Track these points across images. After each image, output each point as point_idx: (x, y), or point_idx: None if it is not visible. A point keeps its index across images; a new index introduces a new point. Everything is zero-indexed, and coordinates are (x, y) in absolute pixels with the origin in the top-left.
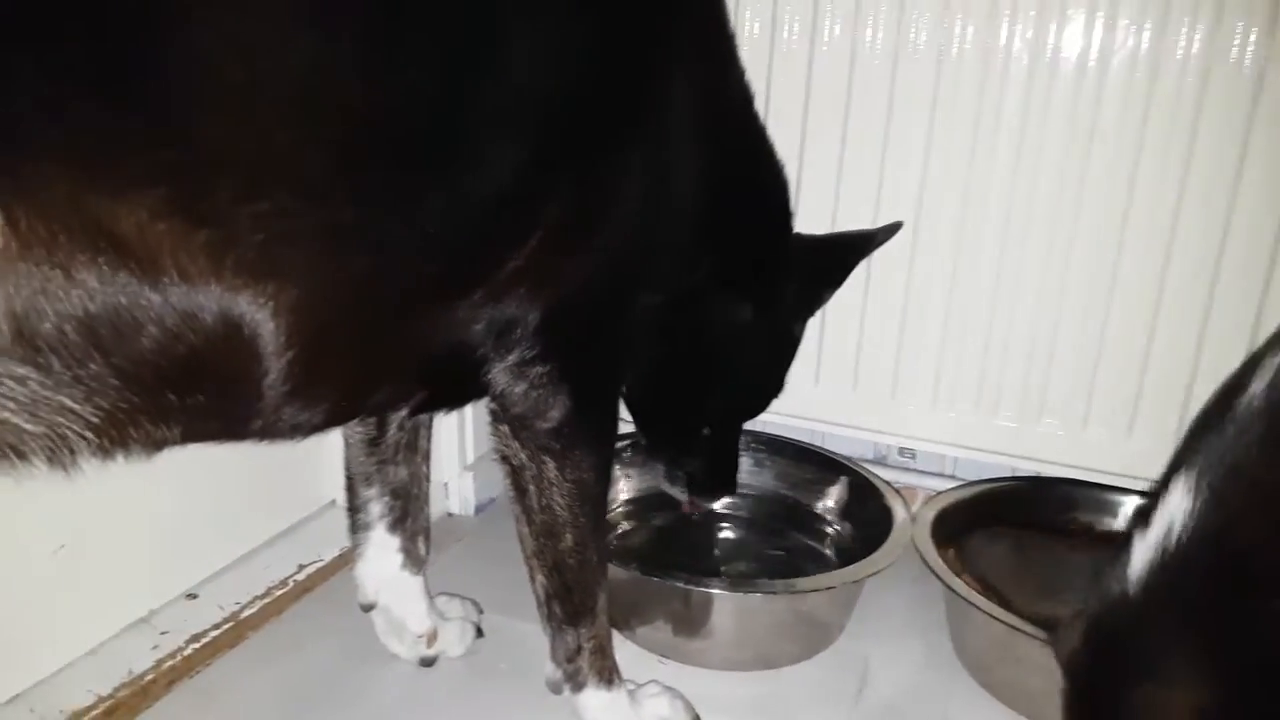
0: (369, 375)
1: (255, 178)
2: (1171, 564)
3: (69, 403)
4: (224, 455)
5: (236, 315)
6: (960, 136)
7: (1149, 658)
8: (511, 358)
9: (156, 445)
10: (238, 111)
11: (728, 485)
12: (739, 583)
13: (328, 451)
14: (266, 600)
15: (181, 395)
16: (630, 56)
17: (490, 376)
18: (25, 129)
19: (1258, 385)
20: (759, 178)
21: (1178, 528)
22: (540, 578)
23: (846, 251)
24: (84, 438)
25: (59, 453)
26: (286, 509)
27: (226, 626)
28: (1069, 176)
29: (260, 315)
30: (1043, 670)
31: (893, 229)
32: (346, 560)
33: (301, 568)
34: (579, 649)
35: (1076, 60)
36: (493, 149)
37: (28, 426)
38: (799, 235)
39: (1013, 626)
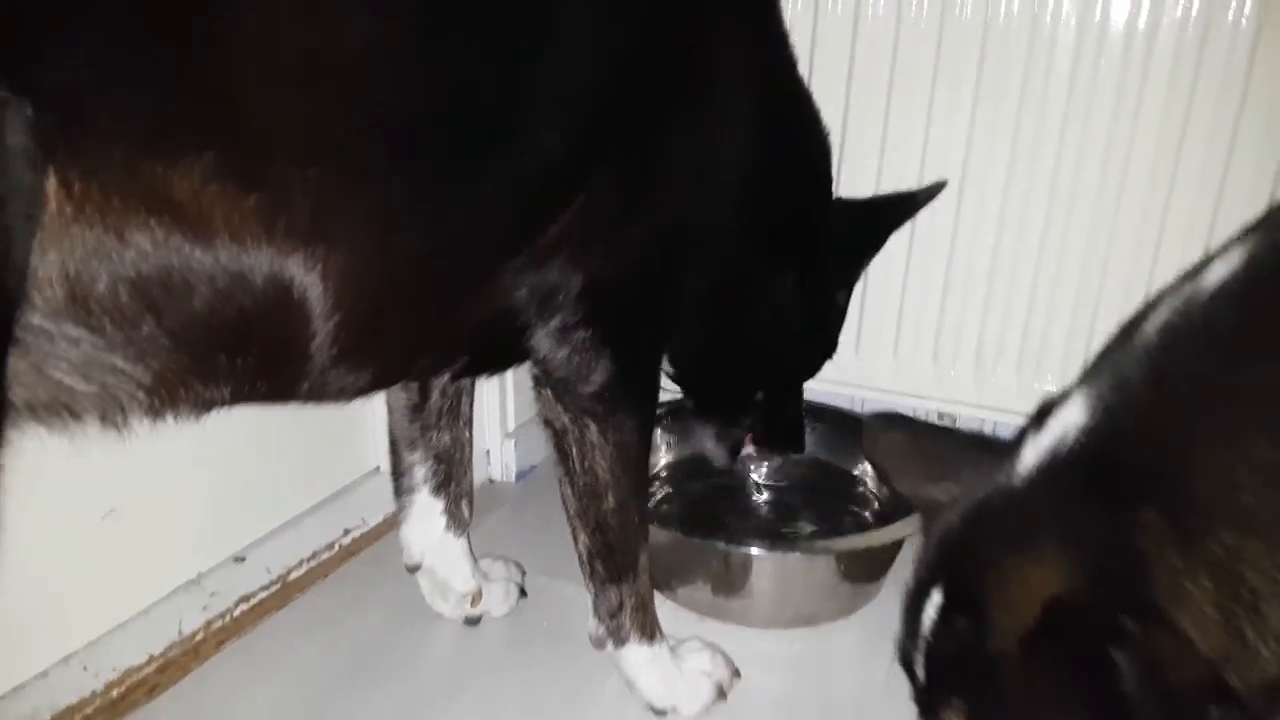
0: (414, 340)
1: (307, 145)
2: (1058, 465)
3: (121, 363)
4: (270, 421)
5: (286, 278)
6: (1006, 102)
7: (1022, 533)
8: (554, 323)
9: (206, 406)
10: (291, 80)
11: (794, 442)
12: (778, 543)
13: (372, 419)
14: (313, 564)
15: (231, 356)
16: (675, 27)
17: (533, 342)
18: (80, 97)
19: (1153, 322)
20: (803, 145)
21: (1070, 435)
22: (583, 537)
23: (889, 213)
24: (135, 398)
25: (111, 412)
26: (332, 475)
27: (274, 589)
28: (1116, 142)
29: (309, 279)
30: None
31: (936, 189)
32: (391, 525)
33: (347, 532)
34: (621, 605)
35: (1125, 27)
36: (540, 120)
37: (81, 387)
38: (840, 200)
39: None
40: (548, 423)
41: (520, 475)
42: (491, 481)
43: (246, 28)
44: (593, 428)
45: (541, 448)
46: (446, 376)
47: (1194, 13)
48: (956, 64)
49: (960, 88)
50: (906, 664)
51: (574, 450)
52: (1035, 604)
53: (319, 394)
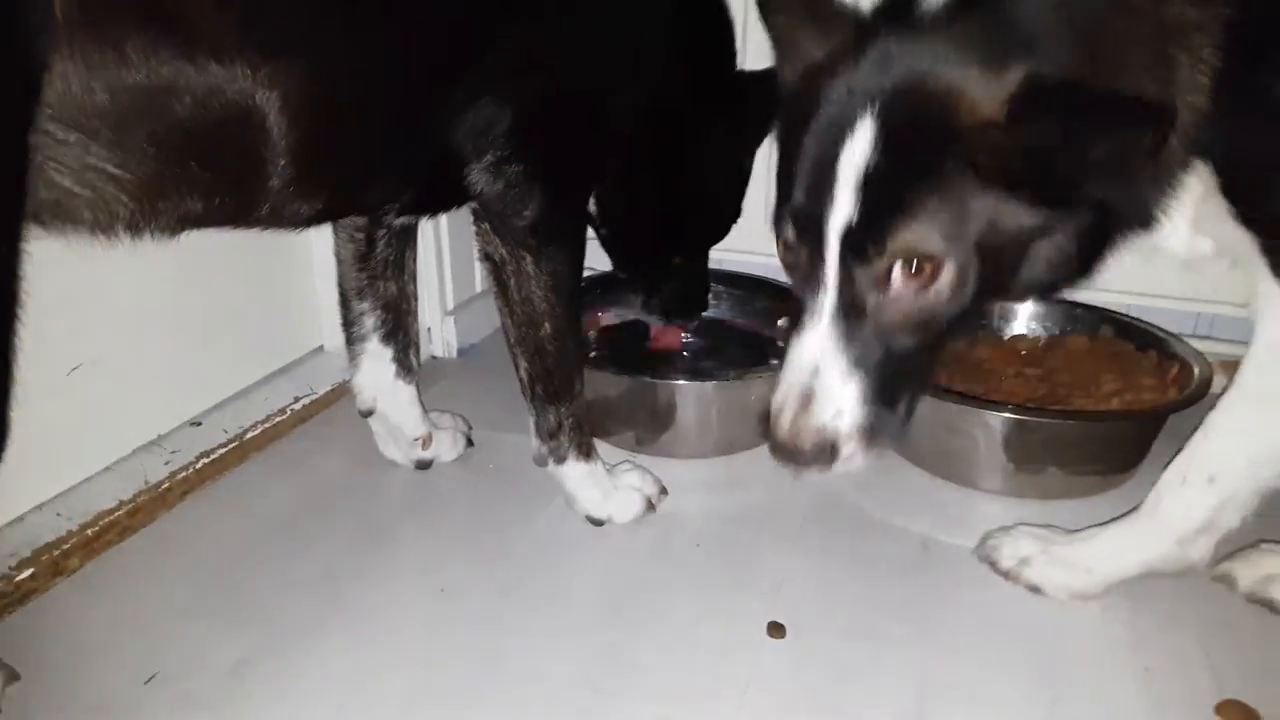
0: (362, 168)
1: None
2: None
3: (112, 169)
4: (224, 300)
5: (252, 90)
6: None
7: (962, 51)
8: (489, 158)
9: (181, 220)
10: None
11: (701, 305)
12: (697, 375)
13: (316, 299)
14: (268, 425)
15: (203, 165)
16: None
17: (471, 178)
18: None
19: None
20: (712, 10)
21: None
22: (523, 363)
23: None
24: (122, 202)
25: (101, 217)
26: (280, 350)
27: (232, 446)
28: None
29: (270, 95)
30: (956, 433)
31: None
32: (339, 394)
33: (298, 399)
34: (560, 425)
35: None
36: None
37: (77, 189)
38: (743, 70)
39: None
40: (487, 256)
41: (462, 352)
42: (435, 358)
43: None
44: (528, 259)
45: (482, 326)
46: (393, 218)
47: None
48: None
49: None
50: (809, 227)
51: (512, 280)
52: (1004, 92)
53: (277, 216)
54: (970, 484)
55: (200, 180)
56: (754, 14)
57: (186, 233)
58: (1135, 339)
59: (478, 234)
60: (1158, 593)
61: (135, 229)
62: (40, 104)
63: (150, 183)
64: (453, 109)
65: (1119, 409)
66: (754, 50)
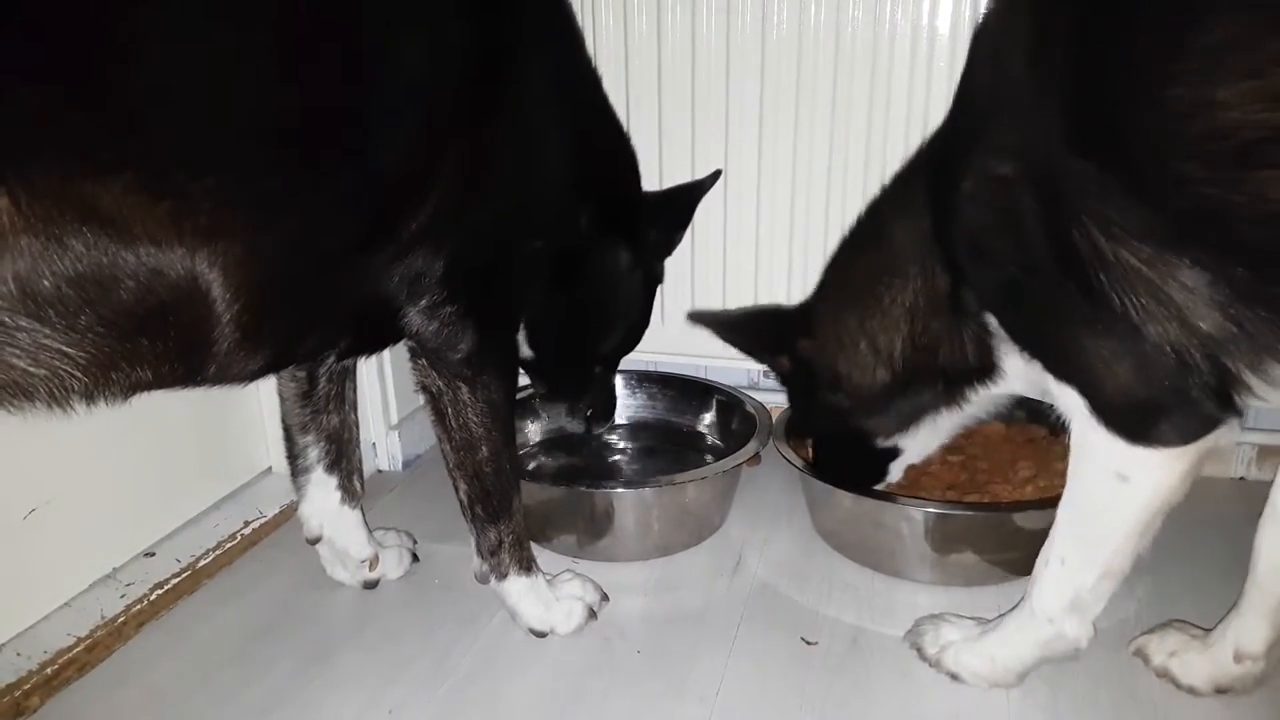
0: (302, 323)
1: (201, 161)
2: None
3: (64, 348)
4: (170, 431)
5: (194, 270)
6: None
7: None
8: (423, 302)
9: (132, 388)
10: (186, 109)
11: (612, 412)
12: (631, 481)
13: (262, 425)
14: (218, 552)
15: (152, 340)
16: (488, 51)
17: (407, 320)
18: (25, 133)
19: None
20: (614, 144)
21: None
22: (463, 485)
23: (688, 197)
24: (75, 377)
25: (56, 392)
26: (229, 476)
27: (185, 575)
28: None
29: (212, 273)
30: (881, 527)
31: (714, 176)
32: (287, 515)
33: (247, 524)
34: (500, 543)
35: None
36: (385, 135)
37: (32, 369)
38: (647, 191)
39: (858, 494)
40: (424, 388)
41: (407, 464)
42: (380, 471)
43: (148, 76)
44: (464, 389)
45: (425, 439)
46: (333, 359)
47: None
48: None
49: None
50: None
51: (449, 410)
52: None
53: (224, 375)
54: (897, 574)
55: (150, 352)
56: None
57: (137, 396)
58: (1047, 424)
59: (414, 368)
60: (1073, 674)
61: (89, 398)
62: None
63: (102, 359)
64: (386, 262)
65: (1034, 497)
66: None
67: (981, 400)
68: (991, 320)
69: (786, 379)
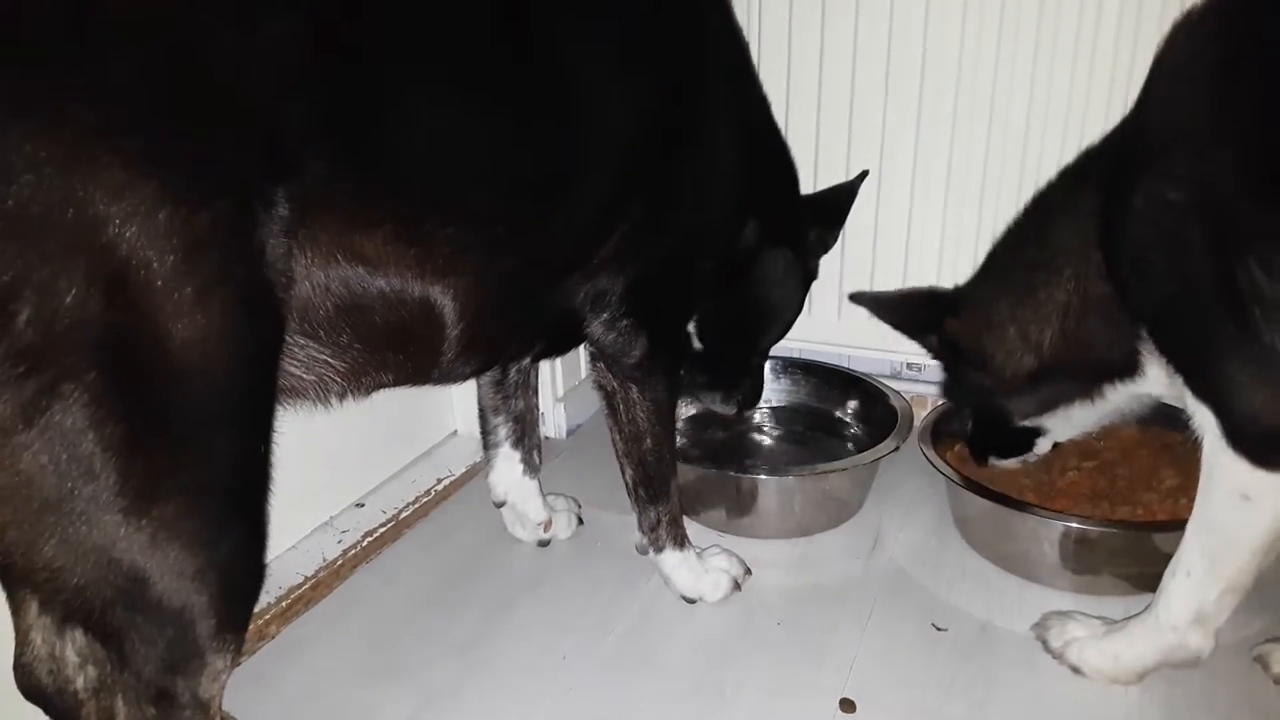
0: (509, 335)
1: (445, 215)
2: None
3: (330, 360)
4: (375, 401)
5: (432, 299)
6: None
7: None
8: (605, 315)
9: (376, 387)
10: (435, 176)
11: (759, 397)
12: (777, 469)
13: (450, 393)
14: (416, 505)
15: (395, 352)
16: (677, 94)
17: (589, 329)
18: (315, 199)
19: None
20: (778, 157)
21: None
22: (629, 470)
23: (843, 198)
24: (336, 381)
25: (320, 393)
26: (423, 438)
27: (390, 524)
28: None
29: (445, 299)
30: (1017, 535)
31: (862, 176)
32: (471, 474)
33: (439, 480)
34: (659, 521)
35: None
36: (592, 181)
37: (305, 376)
38: (805, 195)
39: (996, 501)
40: (600, 386)
41: (570, 432)
42: (547, 438)
43: (410, 146)
44: (634, 389)
45: (586, 409)
46: (527, 360)
47: None
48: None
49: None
50: None
51: (621, 407)
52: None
53: (445, 377)
54: (1029, 579)
55: (392, 362)
56: None
57: (378, 393)
58: (1183, 429)
59: (593, 369)
60: (1192, 674)
61: (343, 397)
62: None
63: (357, 367)
64: (577, 283)
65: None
66: None
67: (1119, 396)
68: (1142, 328)
69: (936, 356)
